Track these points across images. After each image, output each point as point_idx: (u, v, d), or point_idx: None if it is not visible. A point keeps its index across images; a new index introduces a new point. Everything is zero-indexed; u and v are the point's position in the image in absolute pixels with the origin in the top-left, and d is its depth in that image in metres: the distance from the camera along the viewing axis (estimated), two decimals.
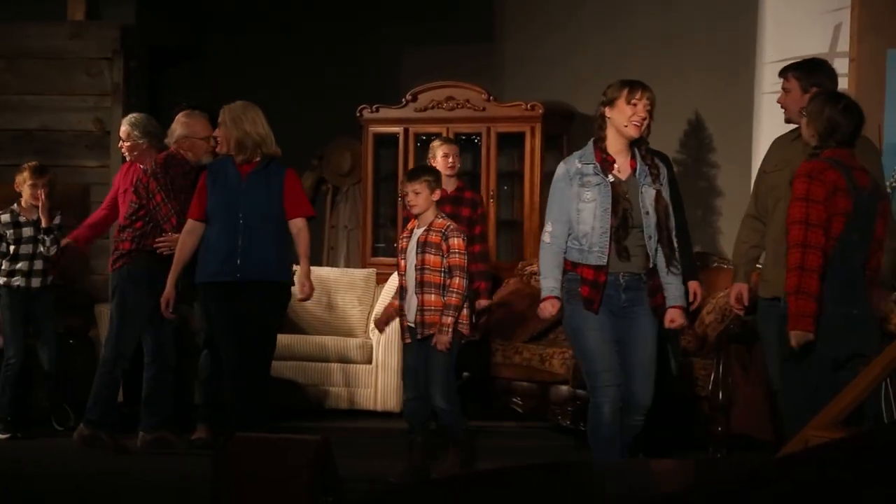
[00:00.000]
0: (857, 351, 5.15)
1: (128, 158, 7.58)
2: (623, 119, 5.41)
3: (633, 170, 5.48)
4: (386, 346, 8.19)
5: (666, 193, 5.51)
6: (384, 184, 9.52)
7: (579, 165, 5.50)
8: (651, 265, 5.49)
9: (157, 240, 6.90)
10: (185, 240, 6.57)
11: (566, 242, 5.49)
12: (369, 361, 8.32)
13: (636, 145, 5.51)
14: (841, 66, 7.61)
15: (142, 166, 7.33)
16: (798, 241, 5.06)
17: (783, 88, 5.86)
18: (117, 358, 7.03)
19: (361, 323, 8.69)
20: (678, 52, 8.83)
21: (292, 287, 6.60)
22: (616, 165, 5.46)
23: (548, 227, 5.54)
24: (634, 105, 5.39)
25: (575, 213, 5.46)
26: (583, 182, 5.45)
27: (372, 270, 8.93)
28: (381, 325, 6.81)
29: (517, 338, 7.92)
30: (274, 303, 6.53)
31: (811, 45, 7.55)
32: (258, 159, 6.47)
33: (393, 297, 6.72)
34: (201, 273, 6.48)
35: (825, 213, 5.05)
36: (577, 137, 9.41)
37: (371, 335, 8.47)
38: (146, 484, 6.44)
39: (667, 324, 5.56)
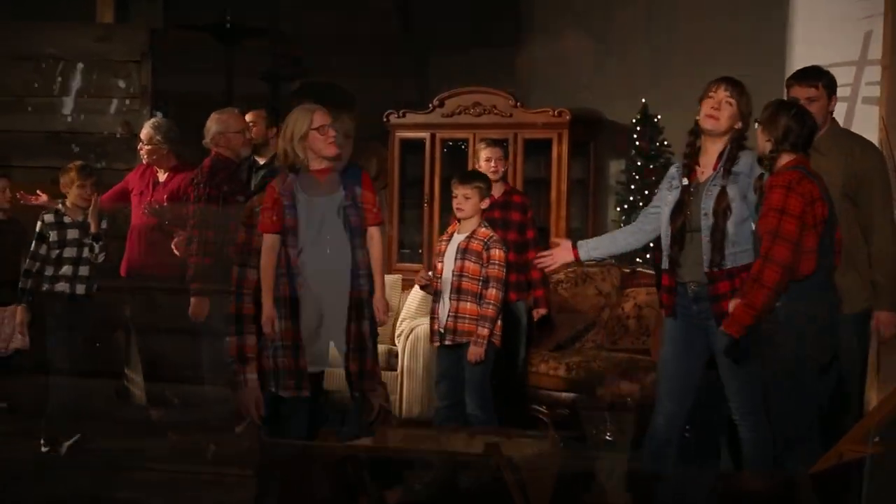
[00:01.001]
0: (837, 352, 5.23)
1: (144, 161, 7.60)
2: (701, 114, 5.38)
3: (715, 170, 5.36)
4: (412, 353, 8.14)
5: (734, 190, 5.28)
6: (410, 189, 9.50)
7: (674, 170, 5.53)
8: (707, 269, 5.30)
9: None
10: (268, 258, 5.86)
11: (637, 228, 5.60)
12: (395, 368, 8.28)
13: (733, 143, 5.36)
14: (872, 73, 7.56)
15: (164, 172, 7.38)
16: (762, 252, 5.12)
17: (808, 98, 5.81)
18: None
19: (387, 329, 8.64)
20: (709, 59, 8.76)
21: None
22: (700, 168, 5.41)
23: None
24: (711, 98, 5.35)
25: (662, 215, 5.49)
26: (669, 185, 5.49)
27: (398, 276, 8.90)
28: (421, 279, 6.73)
29: (543, 346, 7.87)
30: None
31: (841, 53, 7.50)
32: None
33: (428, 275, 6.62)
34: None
35: (799, 227, 5.08)
36: (604, 144, 9.40)
37: (397, 342, 8.43)
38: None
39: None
